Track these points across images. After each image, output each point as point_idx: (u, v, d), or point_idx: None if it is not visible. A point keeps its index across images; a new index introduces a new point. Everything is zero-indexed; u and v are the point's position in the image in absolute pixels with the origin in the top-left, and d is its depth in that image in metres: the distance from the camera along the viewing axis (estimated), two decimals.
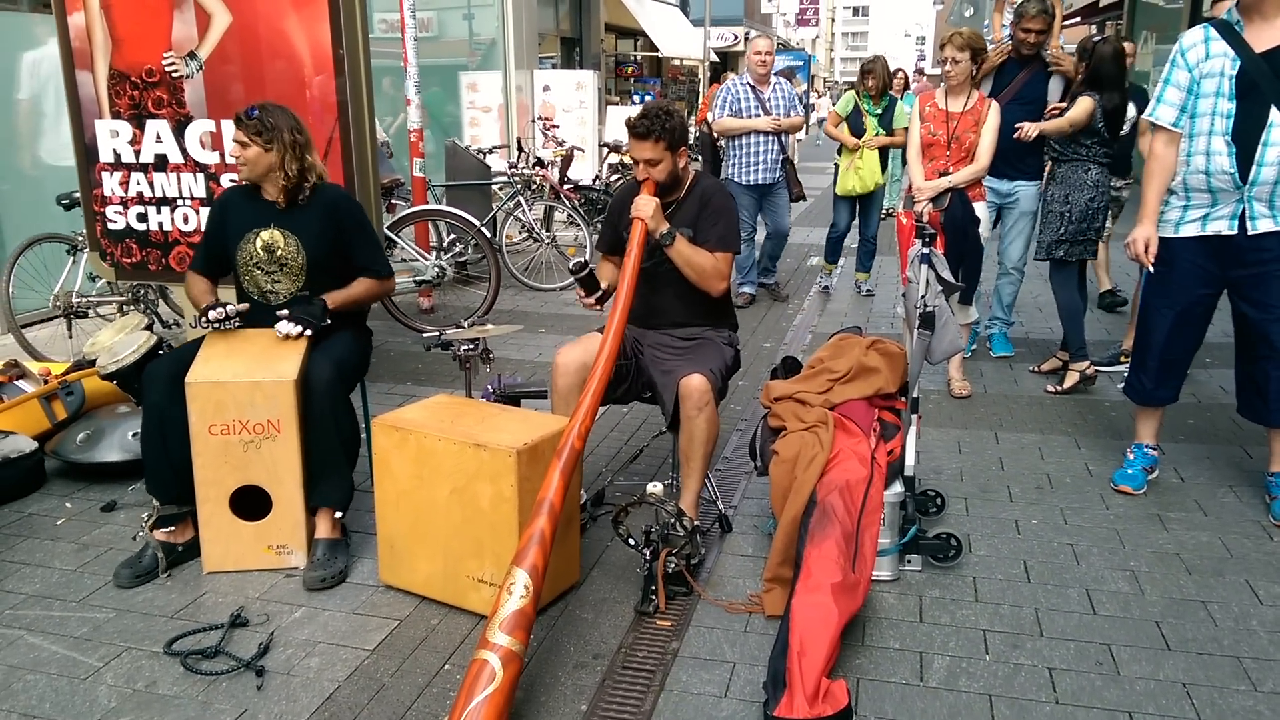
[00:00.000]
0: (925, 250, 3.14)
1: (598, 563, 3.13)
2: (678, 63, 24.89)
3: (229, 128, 4.04)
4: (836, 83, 38.36)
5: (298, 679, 2.50)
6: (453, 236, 6.81)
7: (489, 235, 6.54)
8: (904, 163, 5.77)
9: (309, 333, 3.12)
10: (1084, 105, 4.55)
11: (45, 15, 6.20)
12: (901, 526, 3.00)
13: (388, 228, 5.98)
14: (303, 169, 3.20)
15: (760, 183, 6.44)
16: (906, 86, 11.05)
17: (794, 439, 3.03)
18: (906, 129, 5.12)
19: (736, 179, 6.45)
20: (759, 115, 6.34)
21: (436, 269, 6.20)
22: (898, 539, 2.99)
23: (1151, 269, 3.44)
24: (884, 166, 7.03)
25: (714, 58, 23.83)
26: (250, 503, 3.00)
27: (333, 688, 2.47)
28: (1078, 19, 17.11)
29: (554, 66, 15.02)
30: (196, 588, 2.94)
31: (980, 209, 4.66)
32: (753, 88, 6.36)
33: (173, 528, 3.04)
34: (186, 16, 4.01)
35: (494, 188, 7.80)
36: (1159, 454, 3.72)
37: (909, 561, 3.04)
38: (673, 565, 2.86)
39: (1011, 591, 2.93)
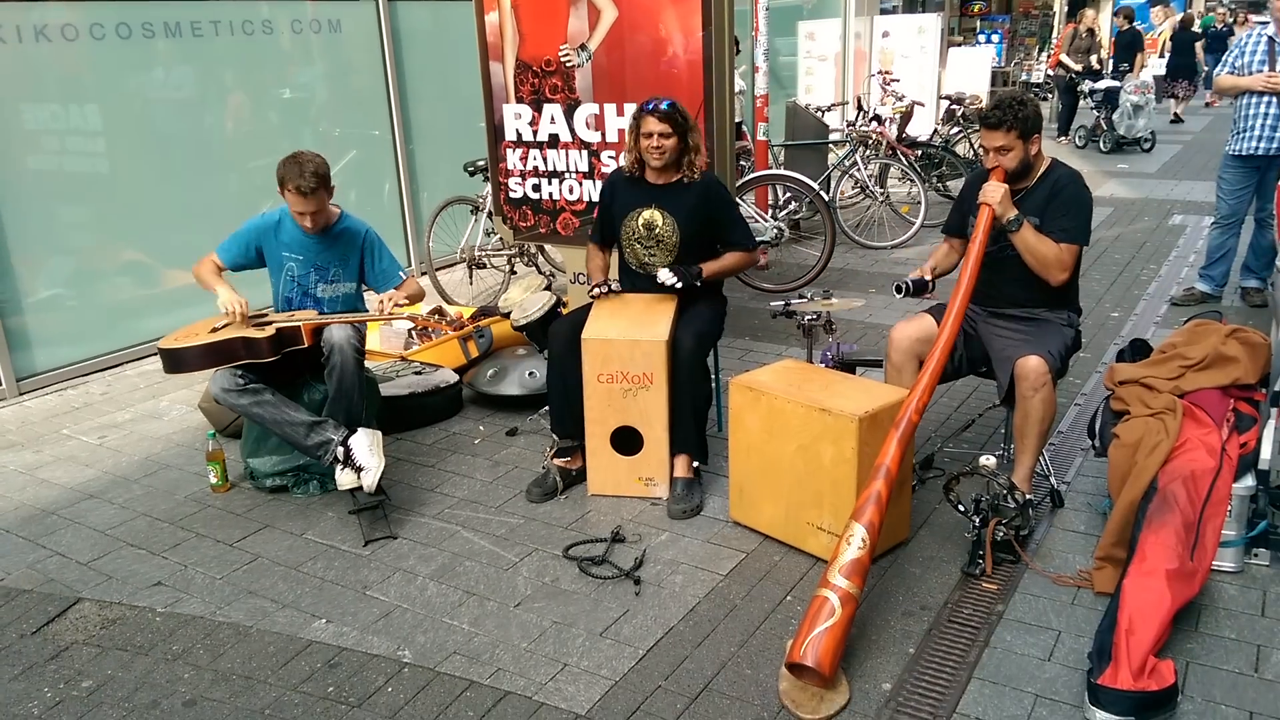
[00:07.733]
0: None
1: (925, 523, 3.37)
2: None
3: (611, 111, 4.66)
4: None
5: (666, 591, 3.03)
6: (788, 195, 7.13)
7: (825, 197, 6.78)
8: None
9: (680, 285, 3.61)
10: None
11: (456, 5, 7.18)
12: (1250, 520, 2.95)
13: None
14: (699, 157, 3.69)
15: (1252, 152, 5.24)
16: None
17: (1137, 424, 3.06)
18: None
19: (1227, 148, 5.44)
20: (1262, 71, 5.11)
21: (775, 229, 6.57)
22: (1245, 532, 2.94)
23: None
24: None
25: None
26: (626, 441, 3.57)
27: (694, 602, 2.96)
28: None
29: (896, 9, 14.64)
30: (583, 506, 3.58)
31: None
32: (1272, 39, 5.13)
33: (568, 457, 3.71)
34: (580, 13, 4.62)
35: (830, 145, 7.98)
36: None
37: (1255, 555, 2.99)
38: (1001, 534, 3.04)
39: None
